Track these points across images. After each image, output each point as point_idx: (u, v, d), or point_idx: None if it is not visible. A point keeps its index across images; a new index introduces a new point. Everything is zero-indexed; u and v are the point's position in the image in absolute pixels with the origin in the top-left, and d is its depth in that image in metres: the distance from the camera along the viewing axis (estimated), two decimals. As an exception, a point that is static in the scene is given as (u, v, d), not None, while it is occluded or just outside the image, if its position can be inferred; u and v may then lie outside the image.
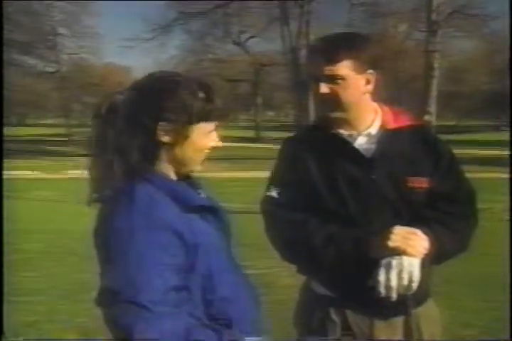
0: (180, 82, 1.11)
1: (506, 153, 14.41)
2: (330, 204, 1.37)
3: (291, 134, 1.62)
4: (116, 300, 0.97)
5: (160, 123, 1.07)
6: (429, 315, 1.46)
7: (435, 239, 1.29)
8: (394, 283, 1.24)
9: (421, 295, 1.37)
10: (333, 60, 1.33)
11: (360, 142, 1.42)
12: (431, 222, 1.35)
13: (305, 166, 1.41)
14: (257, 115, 34.37)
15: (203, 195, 1.21)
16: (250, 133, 32.50)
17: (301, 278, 1.55)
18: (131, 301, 0.95)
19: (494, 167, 14.22)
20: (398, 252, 1.26)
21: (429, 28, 20.11)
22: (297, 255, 1.40)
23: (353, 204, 1.37)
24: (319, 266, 1.39)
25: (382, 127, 1.43)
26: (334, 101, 1.37)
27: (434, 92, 20.01)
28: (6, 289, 2.31)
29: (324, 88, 1.35)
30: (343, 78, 1.35)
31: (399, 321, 1.38)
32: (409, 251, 1.25)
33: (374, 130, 1.44)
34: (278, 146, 1.56)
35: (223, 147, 1.16)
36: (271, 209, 1.41)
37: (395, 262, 1.24)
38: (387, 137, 1.41)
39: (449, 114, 53.68)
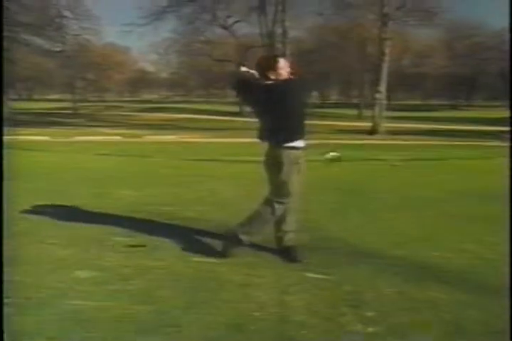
0: None
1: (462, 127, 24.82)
2: (261, 101, 3.04)
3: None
4: None
5: None
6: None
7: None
8: None
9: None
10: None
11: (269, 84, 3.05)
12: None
13: (255, 89, 3.04)
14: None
15: None
16: (235, 108, 36.36)
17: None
18: None
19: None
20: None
21: (382, 18, 23.42)
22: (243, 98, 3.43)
23: (266, 106, 3.04)
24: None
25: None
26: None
27: (384, 75, 23.36)
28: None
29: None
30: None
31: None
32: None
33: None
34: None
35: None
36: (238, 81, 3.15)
37: None
38: (280, 83, 3.06)
39: (416, 94, 59.66)
